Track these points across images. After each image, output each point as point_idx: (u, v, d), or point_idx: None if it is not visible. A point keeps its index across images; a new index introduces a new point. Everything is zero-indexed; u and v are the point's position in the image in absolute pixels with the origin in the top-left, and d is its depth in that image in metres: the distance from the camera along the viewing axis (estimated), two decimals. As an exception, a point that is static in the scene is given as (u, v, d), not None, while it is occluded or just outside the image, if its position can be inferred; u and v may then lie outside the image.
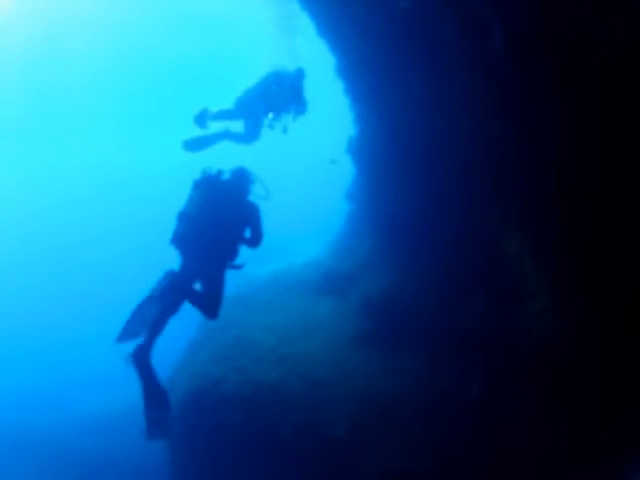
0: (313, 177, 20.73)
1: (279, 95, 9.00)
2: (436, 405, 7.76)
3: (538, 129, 5.28)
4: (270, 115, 9.01)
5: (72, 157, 31.44)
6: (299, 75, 9.15)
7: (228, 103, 9.27)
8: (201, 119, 9.32)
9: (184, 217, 6.36)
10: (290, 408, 7.58)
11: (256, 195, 6.77)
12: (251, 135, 9.08)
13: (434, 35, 6.06)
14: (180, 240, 6.35)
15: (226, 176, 6.69)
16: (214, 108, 9.25)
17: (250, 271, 12.63)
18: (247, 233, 6.58)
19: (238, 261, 6.56)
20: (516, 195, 6.80)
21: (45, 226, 27.43)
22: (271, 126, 9.18)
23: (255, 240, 6.53)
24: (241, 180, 6.69)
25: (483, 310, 8.13)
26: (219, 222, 6.31)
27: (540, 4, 4.51)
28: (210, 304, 6.44)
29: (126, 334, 6.14)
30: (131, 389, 6.99)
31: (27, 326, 19.95)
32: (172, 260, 6.55)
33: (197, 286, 6.57)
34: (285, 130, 9.16)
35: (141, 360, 6.04)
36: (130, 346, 6.10)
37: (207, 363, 8.45)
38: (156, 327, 6.14)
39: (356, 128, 11.47)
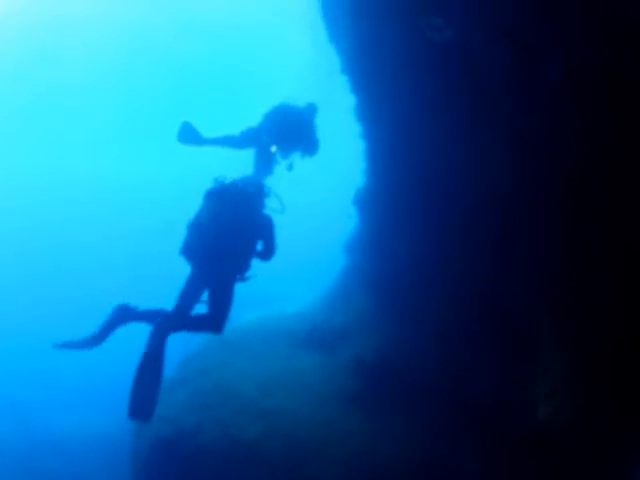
0: (312, 223, 20.29)
1: (286, 129, 8.35)
2: (427, 477, 7.18)
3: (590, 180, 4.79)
4: (273, 148, 8.39)
5: (70, 161, 30.84)
6: (310, 111, 8.49)
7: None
8: (187, 134, 8.16)
9: (195, 227, 6.14)
10: (270, 469, 6.92)
11: (271, 209, 6.55)
12: (262, 170, 8.51)
13: (476, 69, 5.62)
14: (191, 251, 6.14)
15: (240, 187, 6.42)
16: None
17: (236, 315, 12.13)
18: (259, 246, 6.36)
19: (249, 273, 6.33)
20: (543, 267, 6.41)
21: (38, 229, 26.59)
22: (275, 161, 8.63)
23: (267, 253, 6.34)
24: (256, 192, 6.47)
25: (486, 382, 7.64)
26: (231, 234, 6.07)
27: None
28: (217, 317, 6.11)
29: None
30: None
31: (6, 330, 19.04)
32: (167, 270, 6.15)
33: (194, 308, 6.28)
34: (290, 167, 8.51)
35: (161, 331, 5.80)
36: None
37: (183, 408, 7.78)
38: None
39: (367, 178, 11.11)
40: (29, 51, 27.33)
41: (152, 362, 5.72)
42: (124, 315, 5.95)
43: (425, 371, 8.83)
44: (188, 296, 6.21)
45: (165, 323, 5.88)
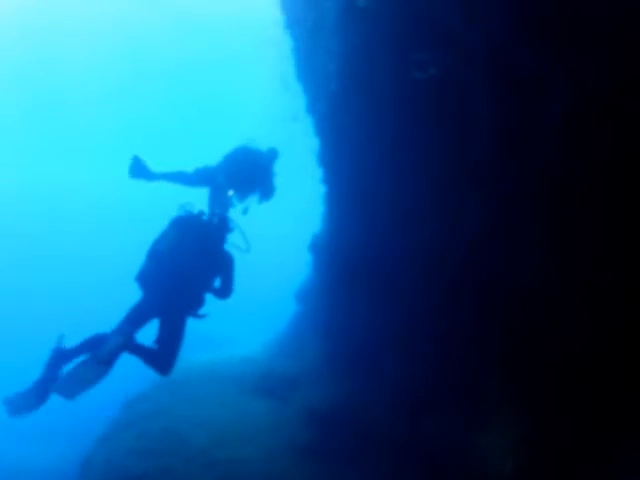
0: (261, 267, 19.95)
1: (245, 175, 8.09)
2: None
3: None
4: (230, 192, 8.11)
5: (69, 171, 29.43)
6: (271, 156, 8.26)
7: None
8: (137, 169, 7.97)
9: (155, 254, 5.84)
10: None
11: (233, 245, 6.26)
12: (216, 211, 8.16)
13: (462, 110, 5.44)
14: (147, 278, 5.81)
15: (205, 218, 6.18)
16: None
17: (183, 355, 11.58)
18: (216, 283, 6.07)
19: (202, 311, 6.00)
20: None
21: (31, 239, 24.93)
22: (231, 204, 8.33)
23: (225, 291, 6.05)
24: (220, 225, 6.20)
25: (444, 434, 7.42)
26: (191, 266, 5.81)
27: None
28: (166, 357, 5.73)
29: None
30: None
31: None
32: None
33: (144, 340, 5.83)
34: (245, 211, 8.20)
35: (61, 356, 5.51)
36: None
37: (128, 453, 7.18)
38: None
39: (324, 224, 10.98)
40: (27, 57, 26.39)
41: (46, 381, 5.45)
42: (61, 357, 5.57)
43: (380, 424, 8.58)
44: (131, 323, 5.80)
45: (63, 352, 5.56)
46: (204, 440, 7.80)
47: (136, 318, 5.85)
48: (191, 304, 5.93)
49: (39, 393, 5.44)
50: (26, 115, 29.45)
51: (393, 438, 8.24)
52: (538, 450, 6.30)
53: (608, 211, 4.23)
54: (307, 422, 8.93)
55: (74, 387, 5.39)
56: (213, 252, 6.03)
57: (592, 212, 4.32)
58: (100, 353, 5.40)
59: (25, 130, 29.90)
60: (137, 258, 5.99)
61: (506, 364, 6.61)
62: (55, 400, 5.42)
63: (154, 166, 6.60)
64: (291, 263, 12.70)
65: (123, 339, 5.54)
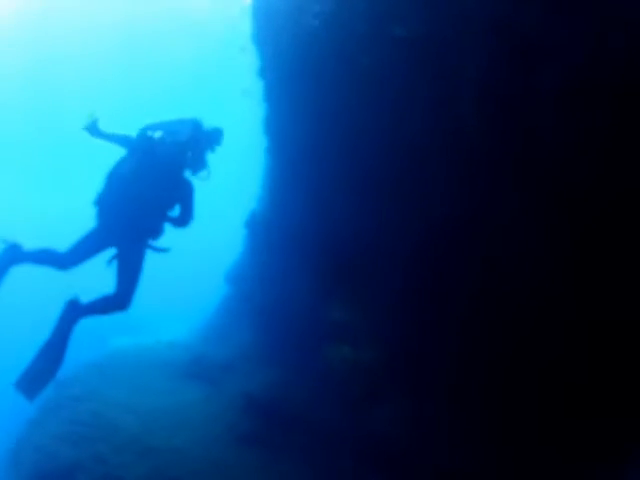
0: (187, 247, 19.10)
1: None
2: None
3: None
4: None
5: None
6: (215, 136, 7.59)
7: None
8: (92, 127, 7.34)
9: (114, 178, 5.71)
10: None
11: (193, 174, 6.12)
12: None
13: (444, 70, 5.06)
14: (105, 202, 5.67)
15: (168, 144, 5.98)
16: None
17: (110, 340, 10.84)
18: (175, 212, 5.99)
19: (162, 244, 5.93)
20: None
21: None
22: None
23: (183, 219, 5.94)
24: (181, 152, 5.98)
25: (393, 421, 7.20)
26: (150, 192, 5.69)
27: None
28: (124, 287, 5.64)
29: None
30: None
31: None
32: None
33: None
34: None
35: (72, 313, 5.52)
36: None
37: (59, 439, 6.53)
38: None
39: (265, 200, 10.45)
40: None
41: (57, 343, 5.45)
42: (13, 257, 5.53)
43: (321, 412, 8.28)
44: (84, 249, 5.69)
45: (72, 312, 5.53)
46: (135, 427, 7.20)
47: (90, 245, 5.70)
48: (151, 232, 5.83)
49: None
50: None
51: (335, 427, 7.95)
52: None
53: (601, 187, 4.08)
54: (244, 409, 8.49)
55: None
56: (173, 178, 5.89)
57: (587, 189, 4.16)
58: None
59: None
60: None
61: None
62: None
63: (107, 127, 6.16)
64: (220, 243, 12.06)
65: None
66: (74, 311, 5.53)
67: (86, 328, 12.13)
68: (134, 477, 6.15)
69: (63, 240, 5.75)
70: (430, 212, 5.79)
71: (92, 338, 11.01)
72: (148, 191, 5.67)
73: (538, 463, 5.93)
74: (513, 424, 6.19)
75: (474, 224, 5.24)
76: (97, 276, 6.46)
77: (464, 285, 5.91)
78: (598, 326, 4.75)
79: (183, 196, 5.94)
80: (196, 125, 6.33)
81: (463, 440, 6.75)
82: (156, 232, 5.86)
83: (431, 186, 5.61)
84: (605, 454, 5.44)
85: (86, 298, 5.62)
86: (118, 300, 5.63)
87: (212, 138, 6.68)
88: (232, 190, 14.41)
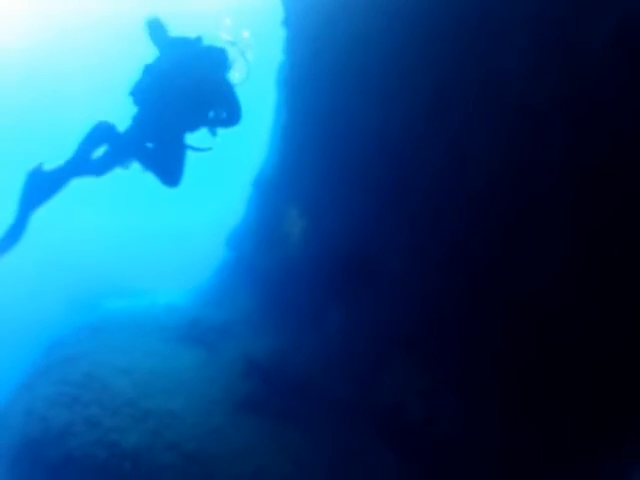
0: (187, 211, 18.45)
1: None
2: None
3: None
4: None
5: None
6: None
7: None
8: None
9: (152, 70, 5.60)
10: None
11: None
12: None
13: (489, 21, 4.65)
14: (142, 93, 5.56)
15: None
16: None
17: (104, 303, 10.44)
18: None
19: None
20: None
21: None
22: None
23: (232, 119, 5.87)
24: (222, 54, 5.91)
25: (403, 393, 6.83)
26: (189, 90, 5.57)
27: None
28: (169, 168, 5.64)
29: None
30: None
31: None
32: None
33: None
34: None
35: (37, 183, 5.27)
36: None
37: (50, 402, 6.06)
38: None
39: (276, 157, 9.88)
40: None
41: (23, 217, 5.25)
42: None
43: (327, 378, 7.93)
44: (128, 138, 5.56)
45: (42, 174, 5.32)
46: (129, 389, 6.80)
47: (134, 134, 5.56)
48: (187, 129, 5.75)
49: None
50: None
51: (338, 395, 7.60)
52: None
53: None
54: (243, 373, 8.12)
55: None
56: (213, 80, 5.78)
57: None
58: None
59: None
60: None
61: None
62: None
63: None
64: (219, 206, 11.56)
65: None
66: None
67: (79, 292, 11.75)
68: (131, 444, 5.74)
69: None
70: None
71: (85, 302, 10.61)
72: (185, 90, 5.55)
73: (552, 440, 5.66)
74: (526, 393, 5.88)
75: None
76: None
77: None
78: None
79: (226, 98, 5.84)
80: None
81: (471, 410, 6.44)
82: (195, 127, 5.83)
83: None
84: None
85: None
86: (167, 173, 5.66)
87: None
88: (234, 151, 13.83)
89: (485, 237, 5.45)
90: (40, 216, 5.40)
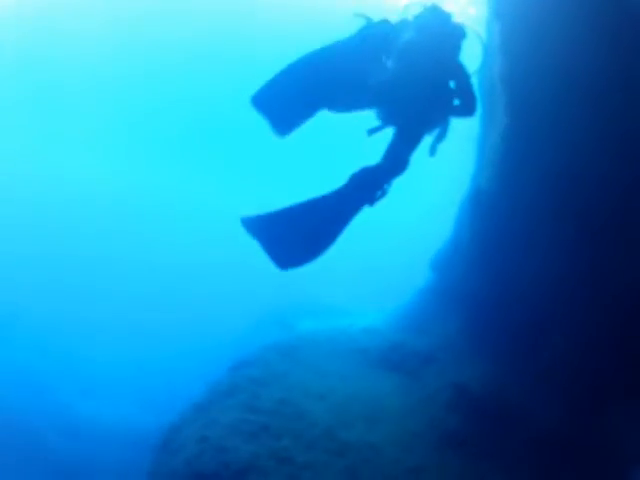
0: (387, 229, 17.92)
1: None
2: None
3: None
4: None
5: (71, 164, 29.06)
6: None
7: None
8: None
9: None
10: None
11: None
12: None
13: None
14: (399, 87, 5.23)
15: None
16: None
17: (299, 324, 10.21)
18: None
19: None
20: None
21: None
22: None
23: (468, 107, 5.50)
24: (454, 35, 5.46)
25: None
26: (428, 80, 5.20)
27: None
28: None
29: None
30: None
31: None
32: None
33: None
34: None
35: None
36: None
37: (231, 430, 5.43)
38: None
39: (487, 177, 8.85)
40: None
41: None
42: None
43: (545, 416, 6.74)
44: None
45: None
46: (327, 416, 6.17)
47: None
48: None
49: None
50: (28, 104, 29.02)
51: (559, 432, 6.43)
52: None
53: None
54: (449, 405, 7.20)
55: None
56: (447, 62, 5.41)
57: None
58: None
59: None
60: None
61: None
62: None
63: None
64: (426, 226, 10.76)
65: None
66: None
67: (272, 312, 11.73)
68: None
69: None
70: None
71: (279, 323, 10.44)
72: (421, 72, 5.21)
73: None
74: None
75: None
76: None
77: None
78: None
79: (460, 83, 5.47)
80: None
81: None
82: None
83: None
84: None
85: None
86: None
87: None
88: (431, 167, 12.98)
89: None
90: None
